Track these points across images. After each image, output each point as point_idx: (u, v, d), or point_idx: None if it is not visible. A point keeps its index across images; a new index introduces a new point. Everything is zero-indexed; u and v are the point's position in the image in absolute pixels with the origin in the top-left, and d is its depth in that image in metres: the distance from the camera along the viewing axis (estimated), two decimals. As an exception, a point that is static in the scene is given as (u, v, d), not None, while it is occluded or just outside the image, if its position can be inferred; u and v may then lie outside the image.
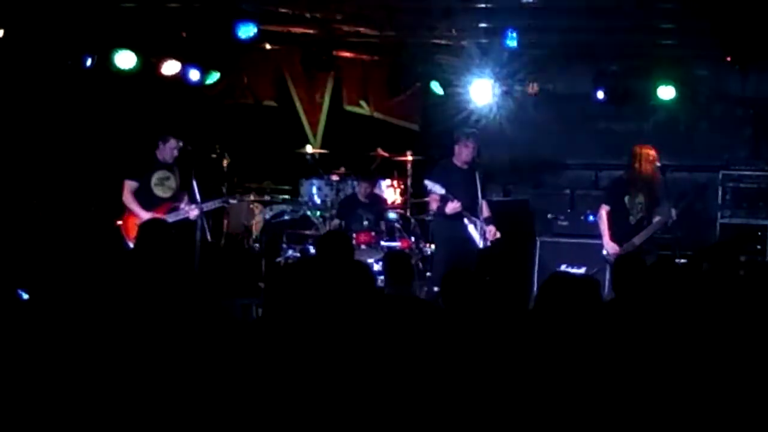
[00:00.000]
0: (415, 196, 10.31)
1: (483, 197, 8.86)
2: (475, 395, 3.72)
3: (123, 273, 5.89)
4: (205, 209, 9.07)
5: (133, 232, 8.10)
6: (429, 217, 9.76)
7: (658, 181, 8.80)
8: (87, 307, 4.58)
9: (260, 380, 3.68)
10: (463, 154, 8.87)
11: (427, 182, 8.85)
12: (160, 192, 8.90)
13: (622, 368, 3.94)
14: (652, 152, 8.74)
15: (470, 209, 8.74)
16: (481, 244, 8.73)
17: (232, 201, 9.70)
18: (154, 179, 8.87)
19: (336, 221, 10.04)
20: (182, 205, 9.02)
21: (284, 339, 4.18)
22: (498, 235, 8.89)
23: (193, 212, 8.95)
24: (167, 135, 8.89)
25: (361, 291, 4.86)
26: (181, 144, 8.88)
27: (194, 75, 10.47)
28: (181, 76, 10.29)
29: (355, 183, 10.52)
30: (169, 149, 8.88)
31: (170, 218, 8.75)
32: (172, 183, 8.95)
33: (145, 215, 8.51)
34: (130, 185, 8.81)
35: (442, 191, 8.69)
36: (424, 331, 4.68)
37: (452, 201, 8.67)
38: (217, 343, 4.08)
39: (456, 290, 5.15)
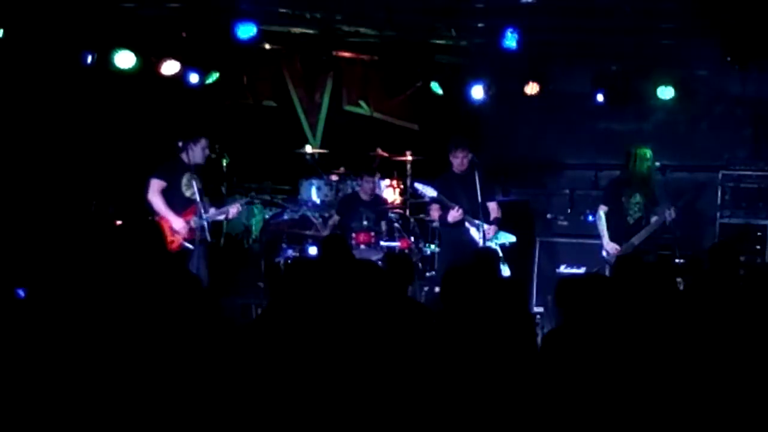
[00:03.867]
0: (414, 196, 10.30)
1: (486, 198, 8.86)
2: (469, 395, 3.72)
3: (122, 272, 5.88)
4: (242, 202, 9.19)
5: (168, 235, 8.10)
6: (434, 224, 9.80)
7: (655, 181, 8.80)
8: (86, 305, 4.57)
9: (258, 379, 3.68)
10: (455, 163, 8.92)
11: (417, 185, 8.92)
12: (188, 194, 8.56)
13: (623, 369, 3.94)
14: (647, 151, 8.74)
15: (471, 212, 8.76)
16: (481, 245, 8.73)
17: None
18: (183, 181, 8.58)
19: (336, 217, 10.01)
20: (211, 210, 8.75)
21: (284, 339, 4.18)
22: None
23: (233, 210, 8.87)
24: (198, 136, 8.65)
25: (361, 291, 4.86)
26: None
27: (194, 75, 10.45)
28: (181, 76, 10.27)
29: (355, 183, 10.49)
30: (200, 149, 8.63)
31: (212, 217, 8.63)
32: (198, 185, 8.61)
33: (171, 217, 8.33)
34: (158, 184, 8.52)
35: (434, 194, 8.76)
36: (421, 333, 4.68)
37: (454, 209, 8.71)
38: (216, 342, 4.08)
39: (455, 289, 5.14)
